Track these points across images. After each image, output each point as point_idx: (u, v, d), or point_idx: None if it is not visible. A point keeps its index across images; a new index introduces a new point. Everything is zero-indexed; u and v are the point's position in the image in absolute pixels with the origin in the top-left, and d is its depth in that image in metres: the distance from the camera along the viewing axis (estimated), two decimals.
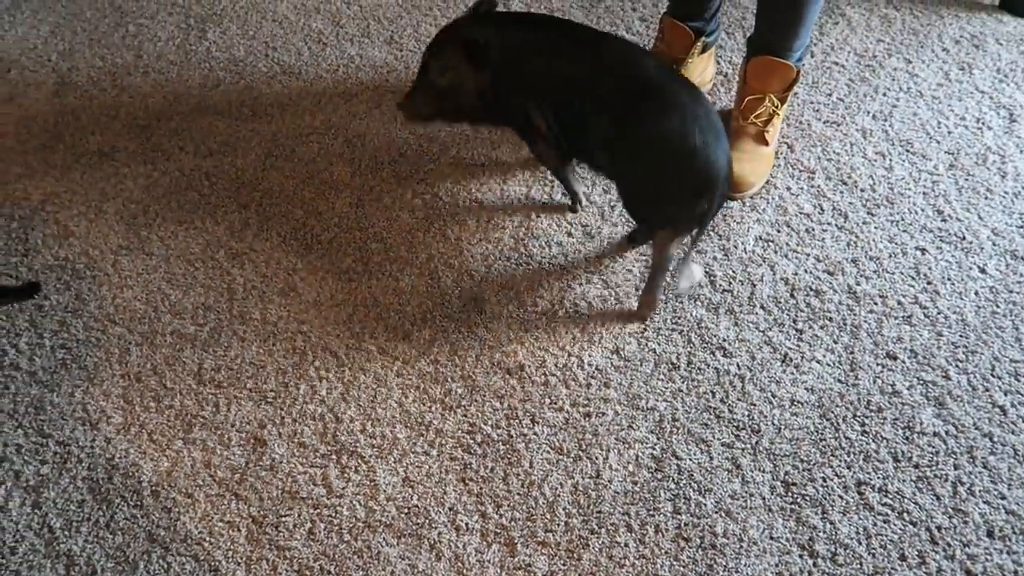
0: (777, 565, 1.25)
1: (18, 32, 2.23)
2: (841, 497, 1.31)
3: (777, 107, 1.74)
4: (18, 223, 1.75)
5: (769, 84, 1.73)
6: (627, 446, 1.38)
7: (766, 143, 1.74)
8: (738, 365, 1.47)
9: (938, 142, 1.81)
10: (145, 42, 2.18)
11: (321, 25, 2.19)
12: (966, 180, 1.73)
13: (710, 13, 1.84)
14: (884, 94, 1.92)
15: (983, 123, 1.84)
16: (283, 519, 1.31)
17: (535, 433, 1.40)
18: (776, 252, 1.64)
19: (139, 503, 1.34)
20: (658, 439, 1.39)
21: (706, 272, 1.61)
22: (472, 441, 1.40)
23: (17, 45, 2.20)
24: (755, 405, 1.42)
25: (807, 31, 1.70)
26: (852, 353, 1.48)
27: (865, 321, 1.52)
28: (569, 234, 1.68)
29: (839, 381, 1.45)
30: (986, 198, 1.70)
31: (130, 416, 1.45)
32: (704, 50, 1.88)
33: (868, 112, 1.88)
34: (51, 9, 2.30)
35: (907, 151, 1.80)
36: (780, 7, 1.68)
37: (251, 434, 1.42)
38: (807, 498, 1.31)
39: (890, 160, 1.78)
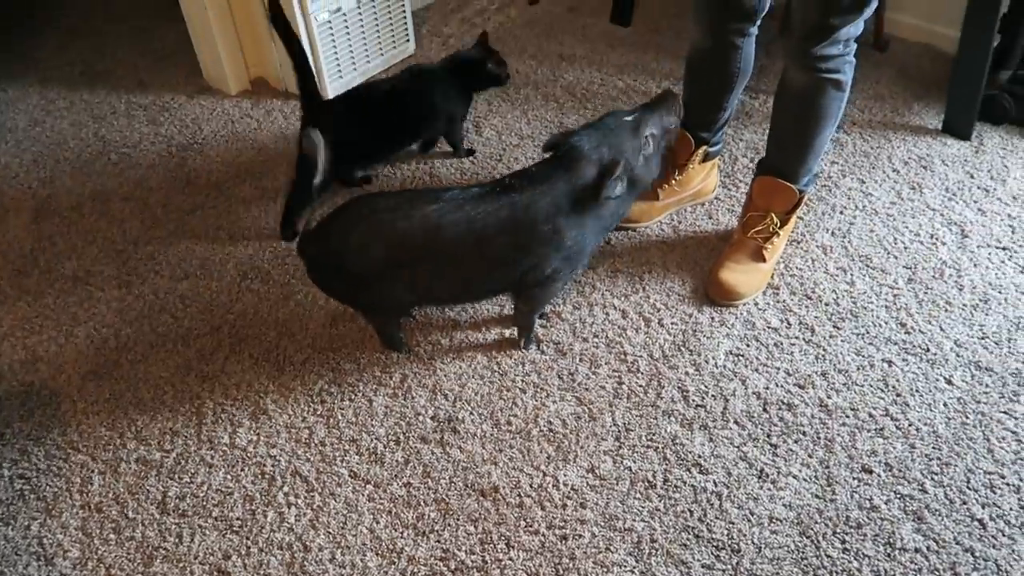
0: None
1: (1, 161, 2.28)
2: None
3: (778, 227, 1.81)
4: None
5: (773, 203, 1.81)
6: (605, 570, 1.34)
7: (763, 260, 1.80)
8: (715, 482, 1.46)
9: (896, 257, 1.88)
10: (127, 169, 2.24)
11: None
12: (925, 293, 1.79)
13: (716, 126, 1.94)
14: (841, 212, 2.00)
15: (937, 239, 1.91)
16: None
17: (510, 559, 1.36)
18: (747, 366, 1.65)
19: None
20: (637, 561, 1.35)
21: (679, 388, 1.61)
22: (446, 568, 1.35)
23: None
24: (734, 523, 1.40)
25: (815, 160, 1.80)
26: (828, 467, 1.47)
27: (838, 434, 1.53)
28: (542, 352, 1.69)
29: (817, 497, 1.43)
30: (946, 310, 1.75)
31: (88, 550, 1.39)
32: (705, 159, 1.97)
33: (827, 229, 1.95)
34: (35, 139, 2.36)
35: (867, 266, 1.86)
36: (789, 135, 1.79)
37: (215, 566, 1.36)
38: None
39: (851, 275, 1.84)
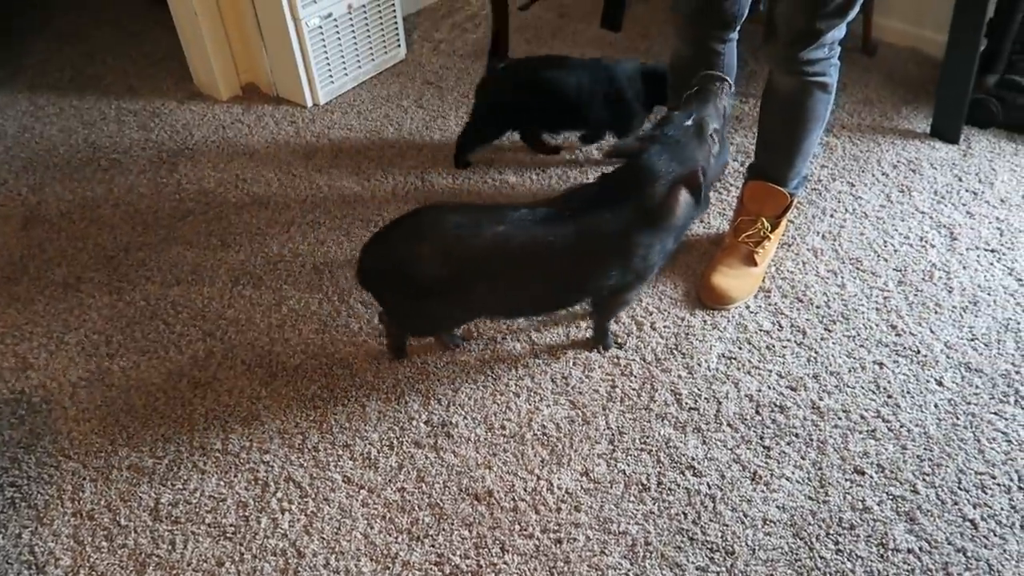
0: None
1: None
2: None
3: (769, 232, 1.82)
4: None
5: (763, 208, 1.82)
6: (600, 573, 1.34)
7: (755, 264, 1.81)
8: (708, 484, 1.46)
9: (886, 260, 1.89)
10: (117, 175, 2.23)
11: (291, 158, 2.27)
12: (915, 296, 1.80)
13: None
14: (831, 215, 2.01)
15: (926, 241, 1.93)
16: None
17: (505, 563, 1.36)
18: (739, 369, 1.66)
19: None
20: (631, 564, 1.35)
21: (672, 391, 1.62)
22: (440, 573, 1.35)
23: None
24: (728, 525, 1.40)
25: (803, 162, 1.81)
26: (820, 469, 1.48)
27: (831, 436, 1.53)
28: (535, 355, 1.69)
29: (810, 498, 1.44)
30: (936, 312, 1.76)
31: (80, 557, 1.38)
32: None
33: (817, 232, 1.96)
34: (25, 145, 2.35)
35: (857, 269, 1.87)
36: (778, 139, 1.80)
37: (208, 572, 1.36)
38: None
39: (842, 278, 1.85)
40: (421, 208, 1.55)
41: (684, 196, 1.45)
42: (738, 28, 1.78)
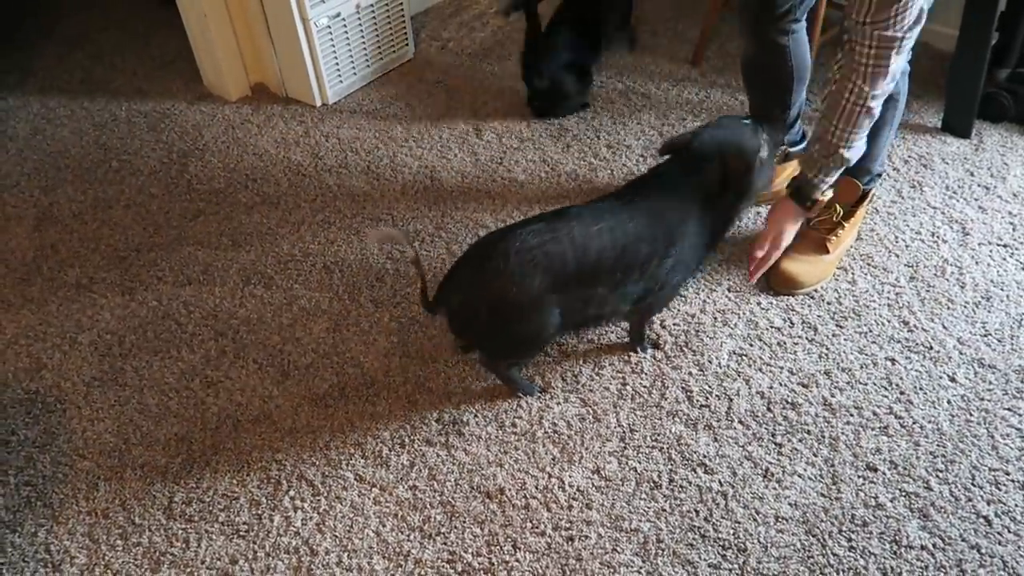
0: None
1: (1, 170, 2.28)
2: None
3: (842, 219, 1.82)
4: None
5: (837, 195, 1.81)
6: (612, 570, 1.34)
7: (827, 251, 1.81)
8: (720, 482, 1.46)
9: (897, 256, 1.88)
10: (128, 176, 2.24)
11: (301, 157, 2.27)
12: (927, 291, 1.79)
13: (785, 125, 1.94)
14: None
15: (938, 237, 1.92)
16: None
17: (517, 560, 1.36)
18: (750, 366, 1.66)
19: None
20: (643, 562, 1.35)
21: (683, 388, 1.62)
22: (452, 571, 1.35)
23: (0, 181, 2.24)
24: (740, 523, 1.40)
25: (874, 162, 1.80)
26: (833, 466, 1.48)
27: (843, 433, 1.53)
28: (546, 353, 1.69)
29: (822, 495, 1.43)
30: (948, 308, 1.75)
31: (95, 555, 1.39)
32: (786, 159, 1.98)
33: None
34: (37, 148, 2.37)
35: (868, 265, 1.86)
36: None
37: (221, 571, 1.36)
38: None
39: (853, 274, 1.84)
40: (479, 239, 1.53)
41: (755, 177, 1.47)
42: (802, 19, 1.77)
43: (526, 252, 1.41)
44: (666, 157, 1.56)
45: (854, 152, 1.55)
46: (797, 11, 1.74)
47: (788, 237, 1.64)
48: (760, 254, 1.64)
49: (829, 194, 1.63)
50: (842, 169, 1.58)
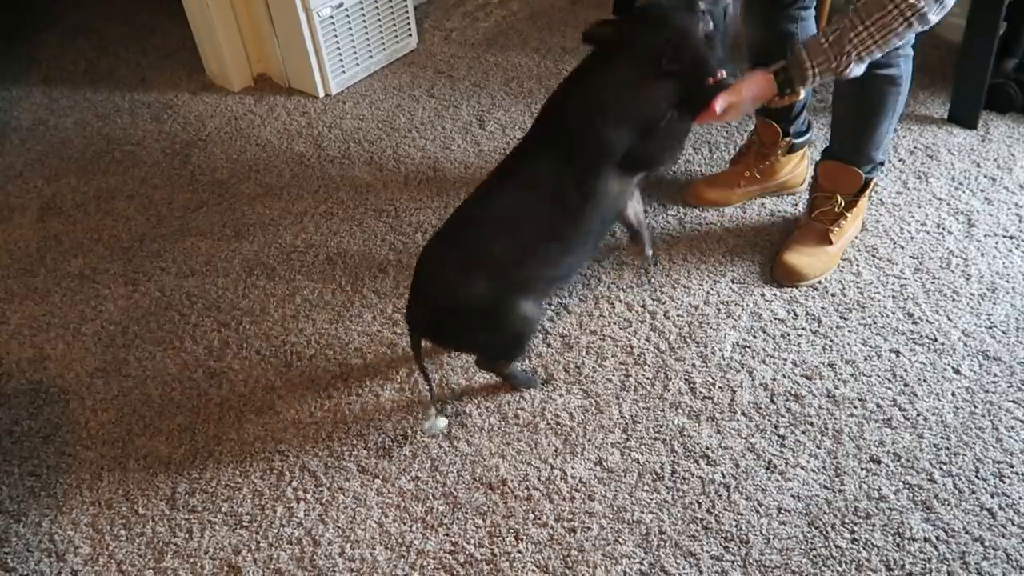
0: None
1: (5, 160, 2.29)
2: None
3: (844, 210, 1.81)
4: None
5: (838, 186, 1.81)
6: (614, 562, 1.34)
7: (830, 243, 1.80)
8: (723, 473, 1.46)
9: (902, 247, 1.87)
10: (131, 167, 2.24)
11: (303, 148, 2.27)
12: (932, 283, 1.78)
13: (791, 115, 1.93)
14: None
15: (943, 228, 1.91)
16: None
17: (519, 551, 1.36)
18: (753, 358, 1.65)
19: None
20: (646, 553, 1.35)
21: (686, 379, 1.61)
22: (455, 562, 1.35)
23: (2, 172, 2.24)
24: (742, 515, 1.40)
25: (874, 150, 1.78)
26: (836, 458, 1.47)
27: (846, 425, 1.52)
28: (548, 344, 1.69)
29: (825, 487, 1.43)
30: (953, 300, 1.74)
31: (99, 546, 1.39)
32: (791, 150, 1.96)
33: None
34: (40, 138, 2.36)
35: (873, 256, 1.85)
36: (847, 127, 1.78)
37: (225, 560, 1.37)
38: None
39: (857, 265, 1.83)
40: (425, 250, 1.48)
41: (683, 56, 1.38)
42: (812, 5, 1.76)
43: (457, 242, 1.39)
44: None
45: (860, 68, 1.46)
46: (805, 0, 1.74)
47: (741, 112, 1.52)
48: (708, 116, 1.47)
49: (803, 95, 1.54)
50: (834, 76, 1.48)
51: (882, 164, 1.84)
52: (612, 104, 1.41)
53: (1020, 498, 1.40)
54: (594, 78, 1.43)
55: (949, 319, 1.70)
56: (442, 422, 1.52)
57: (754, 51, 1.89)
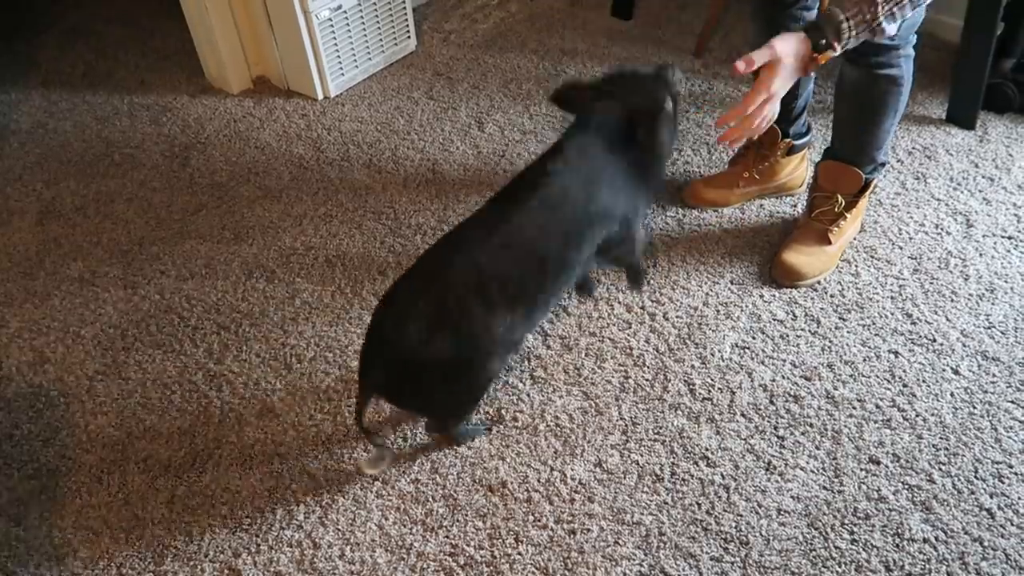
0: None
1: (4, 164, 2.29)
2: None
3: (844, 210, 1.81)
4: None
5: (837, 185, 1.81)
6: (614, 563, 1.34)
7: (829, 242, 1.80)
8: (722, 475, 1.46)
9: (900, 248, 1.87)
10: (130, 170, 2.24)
11: (302, 150, 2.27)
12: (931, 284, 1.78)
13: (792, 116, 1.93)
14: None
15: (942, 229, 1.91)
16: None
17: (519, 553, 1.36)
18: (753, 359, 1.65)
19: None
20: (645, 555, 1.35)
21: (685, 381, 1.61)
22: (455, 564, 1.35)
23: (2, 176, 2.25)
24: (742, 516, 1.40)
25: (877, 151, 1.79)
26: (835, 459, 1.47)
27: (845, 426, 1.52)
28: (548, 346, 1.69)
29: (824, 488, 1.43)
30: (952, 300, 1.74)
31: (99, 549, 1.39)
32: (790, 152, 1.97)
33: None
34: (39, 141, 2.37)
35: (872, 257, 1.85)
36: (848, 127, 1.78)
37: (225, 563, 1.37)
38: None
39: (856, 266, 1.83)
40: (393, 288, 1.36)
41: (664, 130, 1.42)
42: (815, 7, 1.76)
43: (441, 309, 1.25)
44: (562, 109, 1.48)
45: (893, 28, 1.39)
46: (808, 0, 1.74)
47: (782, 91, 1.40)
48: (752, 108, 1.37)
49: (832, 53, 1.40)
50: (868, 33, 1.39)
51: (883, 165, 1.84)
52: (597, 185, 1.41)
53: (1019, 498, 1.40)
54: (573, 157, 1.40)
55: (948, 319, 1.71)
56: (387, 455, 1.44)
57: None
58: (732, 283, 1.81)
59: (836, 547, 1.35)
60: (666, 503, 1.42)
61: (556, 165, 1.40)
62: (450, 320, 1.27)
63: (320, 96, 2.46)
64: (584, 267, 1.48)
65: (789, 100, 1.89)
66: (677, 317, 1.74)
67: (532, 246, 1.35)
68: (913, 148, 2.14)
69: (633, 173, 1.47)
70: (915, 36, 1.64)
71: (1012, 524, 1.37)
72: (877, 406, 1.56)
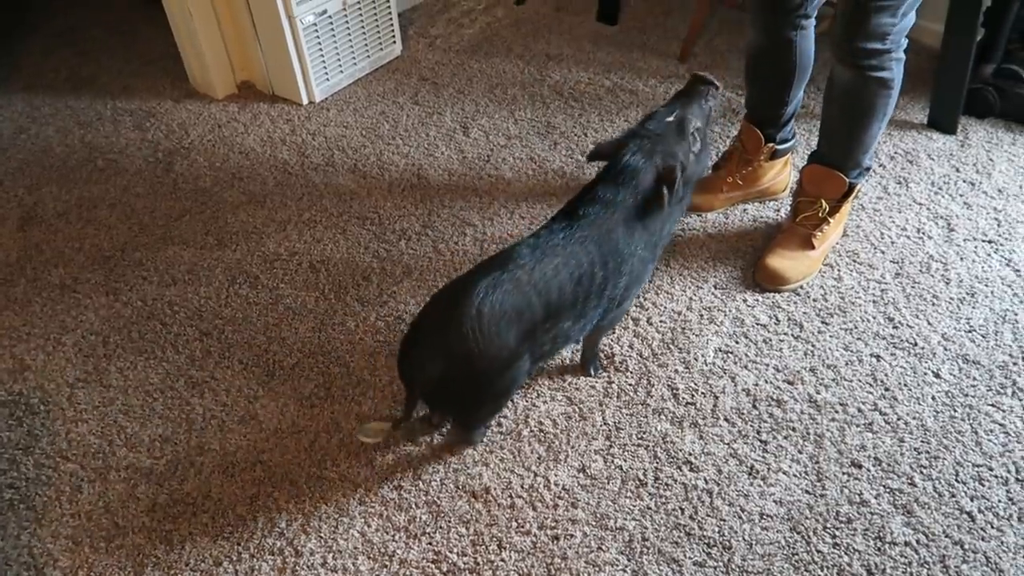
0: None
1: None
2: None
3: (827, 215, 1.82)
4: None
5: (822, 190, 1.82)
6: (597, 569, 1.34)
7: (812, 247, 1.81)
8: (705, 479, 1.46)
9: (882, 252, 1.88)
10: (113, 176, 2.23)
11: (287, 156, 2.26)
12: (912, 288, 1.79)
13: (780, 122, 1.94)
14: None
15: (923, 233, 1.92)
16: None
17: (502, 560, 1.36)
18: (736, 363, 1.66)
19: None
20: (629, 560, 1.35)
21: (668, 386, 1.62)
22: (438, 570, 1.35)
23: None
24: (725, 520, 1.40)
25: (863, 154, 1.80)
26: (817, 463, 1.48)
27: (828, 430, 1.53)
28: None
29: (807, 492, 1.44)
30: (933, 304, 1.75)
31: (78, 558, 1.38)
32: (774, 156, 1.97)
33: None
34: (21, 146, 2.35)
35: (854, 261, 1.86)
36: (836, 129, 1.79)
37: (206, 572, 1.36)
38: None
39: (839, 271, 1.84)
40: (434, 299, 1.42)
41: (676, 192, 1.44)
42: (812, 16, 1.78)
43: (493, 310, 1.31)
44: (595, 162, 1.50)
45: None
46: (809, 7, 1.75)
47: None
48: None
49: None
50: None
51: (868, 169, 1.85)
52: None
53: (999, 501, 1.41)
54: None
55: (929, 323, 1.72)
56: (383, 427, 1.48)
57: (752, 55, 1.90)
58: (716, 288, 1.82)
59: (818, 551, 1.36)
60: (649, 508, 1.42)
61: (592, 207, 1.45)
62: (482, 340, 1.32)
63: (305, 101, 2.46)
64: (589, 319, 1.49)
65: (779, 107, 1.91)
66: (660, 322, 1.75)
67: (557, 287, 1.39)
68: (895, 152, 2.16)
69: (648, 233, 1.49)
70: (906, 40, 1.65)
71: (992, 527, 1.38)
72: (859, 410, 1.56)
